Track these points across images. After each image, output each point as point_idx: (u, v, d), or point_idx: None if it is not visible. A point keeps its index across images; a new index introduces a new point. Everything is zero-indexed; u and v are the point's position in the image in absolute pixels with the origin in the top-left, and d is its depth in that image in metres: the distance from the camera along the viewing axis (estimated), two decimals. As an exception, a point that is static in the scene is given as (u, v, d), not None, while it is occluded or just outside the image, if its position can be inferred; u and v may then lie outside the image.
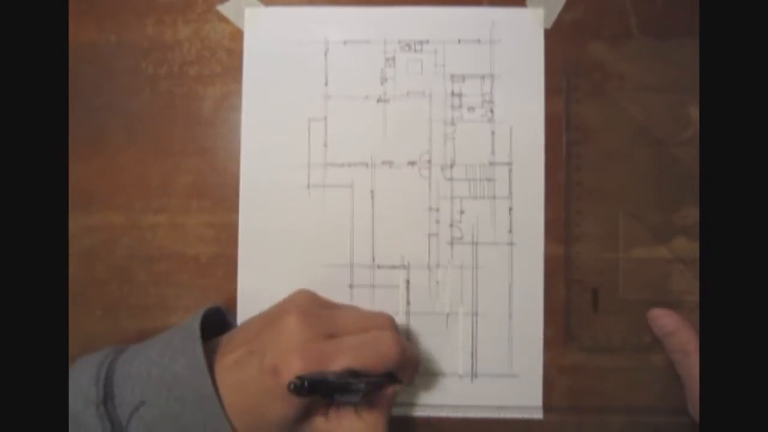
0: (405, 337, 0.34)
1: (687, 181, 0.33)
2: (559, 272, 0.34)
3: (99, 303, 0.35)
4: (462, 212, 0.34)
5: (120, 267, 0.35)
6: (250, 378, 0.27)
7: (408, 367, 0.30)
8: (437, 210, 0.34)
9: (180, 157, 0.35)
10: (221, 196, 0.35)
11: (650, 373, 0.33)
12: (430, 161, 0.34)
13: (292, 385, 0.24)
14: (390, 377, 0.29)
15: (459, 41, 0.35)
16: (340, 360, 0.27)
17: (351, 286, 0.34)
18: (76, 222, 0.35)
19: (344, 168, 0.34)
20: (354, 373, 0.27)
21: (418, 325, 0.34)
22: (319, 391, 0.25)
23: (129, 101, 0.35)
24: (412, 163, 0.34)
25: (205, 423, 0.27)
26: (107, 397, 0.27)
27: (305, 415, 0.28)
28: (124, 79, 0.35)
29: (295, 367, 0.26)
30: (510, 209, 0.34)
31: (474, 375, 0.34)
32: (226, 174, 0.35)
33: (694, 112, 0.34)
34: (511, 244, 0.34)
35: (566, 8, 0.34)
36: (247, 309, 0.34)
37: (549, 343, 0.34)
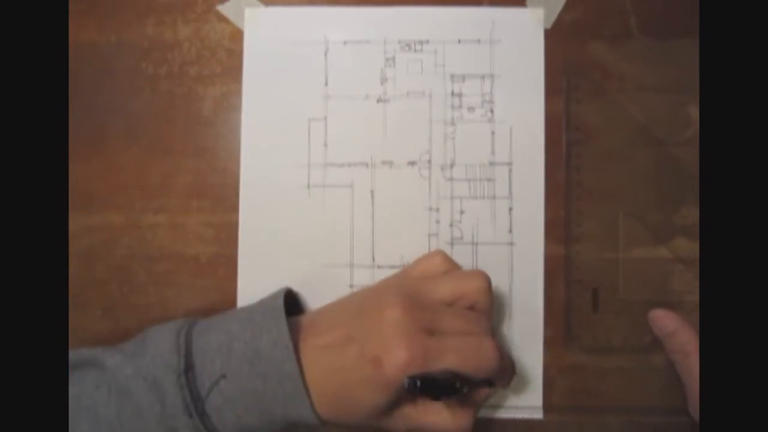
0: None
1: (687, 181, 0.33)
2: (559, 272, 0.34)
3: (99, 303, 0.35)
4: (462, 212, 0.34)
5: (120, 267, 0.35)
6: (346, 364, 0.27)
7: (505, 375, 0.30)
8: (437, 210, 0.34)
9: (180, 157, 0.35)
10: (221, 196, 0.35)
11: (650, 373, 0.33)
12: (430, 161, 0.34)
13: (406, 385, 0.25)
14: (487, 381, 0.29)
15: (459, 41, 0.35)
16: (444, 359, 0.26)
17: (351, 286, 0.34)
18: (76, 222, 0.34)
19: (344, 168, 0.34)
20: (455, 375, 0.27)
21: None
22: (428, 391, 0.25)
23: (129, 101, 0.35)
24: (412, 163, 0.34)
25: (285, 401, 0.27)
26: (188, 367, 0.27)
27: (395, 405, 0.28)
28: (124, 79, 0.35)
29: (399, 359, 0.26)
30: (510, 209, 0.34)
31: (474, 375, 0.34)
32: (226, 174, 0.35)
33: (694, 112, 0.34)
34: (511, 244, 0.34)
35: (566, 8, 0.34)
36: (247, 309, 0.34)
37: (549, 343, 0.34)
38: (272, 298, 0.29)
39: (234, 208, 0.34)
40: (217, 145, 0.35)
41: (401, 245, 0.34)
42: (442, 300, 0.29)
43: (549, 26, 0.34)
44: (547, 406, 0.33)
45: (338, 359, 0.27)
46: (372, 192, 0.34)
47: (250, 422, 0.27)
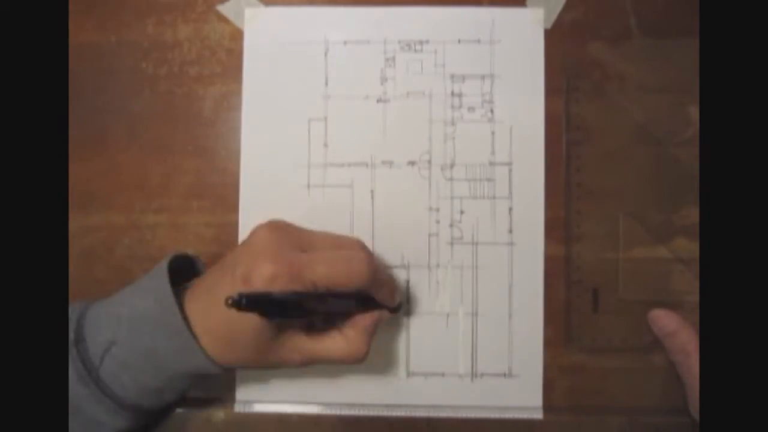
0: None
1: (687, 181, 0.33)
2: (559, 272, 0.34)
3: (99, 303, 0.35)
4: (462, 212, 0.34)
5: (120, 267, 0.35)
6: (221, 295, 0.25)
7: (383, 288, 0.30)
8: (437, 210, 0.34)
9: (180, 157, 0.35)
10: (221, 196, 0.35)
11: (650, 373, 0.33)
12: (430, 161, 0.34)
13: (229, 300, 0.24)
14: (368, 302, 0.29)
15: (459, 41, 0.35)
16: (312, 270, 0.26)
17: (351, 286, 0.34)
18: (76, 222, 0.34)
19: (344, 168, 0.34)
20: (321, 296, 0.27)
21: (418, 325, 0.34)
22: (260, 309, 0.25)
23: (129, 101, 0.35)
24: (412, 163, 0.34)
25: (178, 355, 0.27)
26: (78, 340, 0.27)
27: (281, 332, 0.28)
28: (125, 79, 0.35)
29: (266, 271, 0.26)
30: (510, 209, 0.34)
31: (474, 375, 0.34)
32: (226, 174, 0.35)
33: (694, 112, 0.34)
34: (511, 244, 0.34)
35: (566, 8, 0.34)
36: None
37: (549, 343, 0.34)
38: (161, 262, 0.29)
39: (234, 208, 0.34)
40: (217, 145, 0.35)
41: (401, 245, 0.34)
42: (317, 242, 0.29)
43: (549, 26, 0.34)
44: (547, 406, 0.33)
45: (215, 293, 0.27)
46: (372, 192, 0.34)
47: (149, 382, 0.28)
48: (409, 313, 0.34)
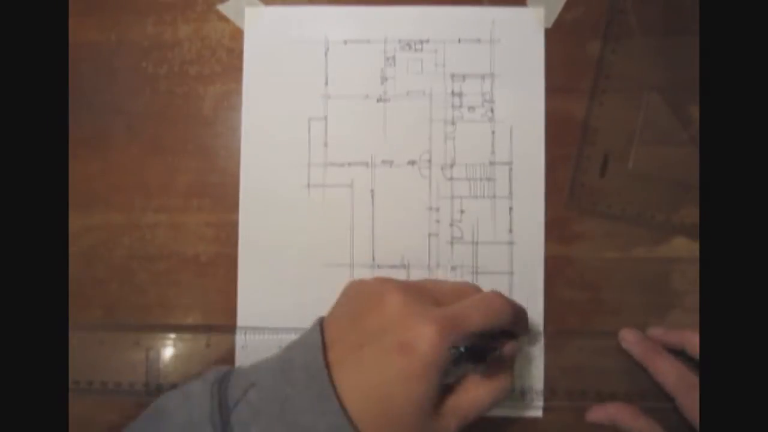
0: None
1: (687, 181, 0.33)
2: (559, 272, 0.34)
3: (99, 303, 0.35)
4: (462, 212, 0.34)
5: (120, 267, 0.35)
6: (372, 367, 0.24)
7: (521, 318, 0.30)
8: (437, 210, 0.34)
9: (180, 156, 0.35)
10: (221, 196, 0.35)
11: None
12: (430, 161, 0.34)
13: (452, 355, 0.23)
14: (507, 334, 0.29)
15: (459, 41, 0.35)
16: (470, 320, 0.26)
17: (351, 286, 0.34)
18: (76, 222, 0.35)
19: (344, 168, 0.34)
20: (481, 336, 0.26)
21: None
22: (474, 357, 0.25)
23: (129, 101, 0.35)
24: (412, 163, 0.34)
25: (313, 404, 0.24)
26: (223, 378, 0.26)
27: (441, 395, 0.26)
28: (125, 78, 0.35)
29: (428, 333, 0.24)
30: (510, 209, 0.34)
31: (474, 375, 0.34)
32: (226, 174, 0.35)
33: (694, 112, 0.34)
34: (511, 243, 0.34)
35: (566, 8, 0.34)
36: (247, 308, 0.34)
37: (549, 343, 0.34)
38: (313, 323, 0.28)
39: (234, 207, 0.34)
40: (217, 145, 0.35)
41: (401, 245, 0.34)
42: (444, 293, 0.29)
43: (549, 25, 0.34)
44: (547, 406, 0.33)
45: (364, 367, 0.25)
46: (372, 191, 0.34)
47: None
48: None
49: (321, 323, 0.28)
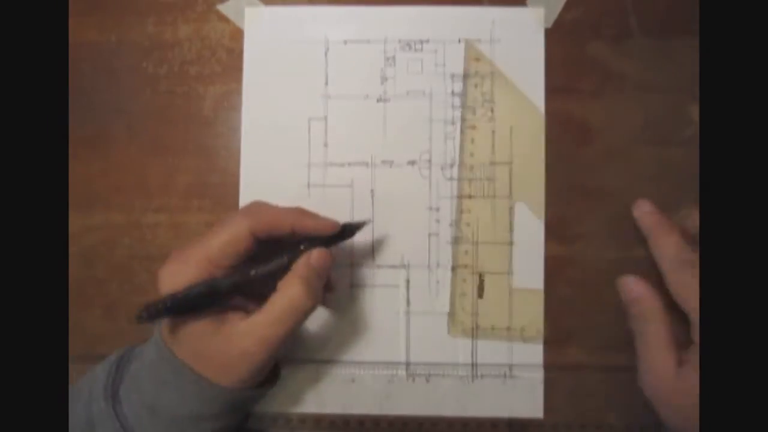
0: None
1: (687, 181, 0.33)
2: (559, 272, 0.34)
3: (99, 303, 0.35)
4: (462, 212, 0.34)
5: (120, 267, 0.35)
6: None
7: (303, 216, 0.29)
8: (437, 210, 0.34)
9: (180, 156, 0.35)
10: (221, 196, 0.35)
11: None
12: (430, 161, 0.34)
13: (135, 318, 0.25)
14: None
15: (459, 41, 0.35)
16: (202, 248, 0.28)
17: (351, 286, 0.34)
18: (76, 222, 0.35)
19: (344, 167, 0.34)
20: (242, 270, 0.27)
21: (418, 326, 0.34)
22: (169, 312, 0.26)
23: (129, 101, 0.35)
24: (412, 163, 0.34)
25: (162, 364, 0.28)
26: (123, 356, 0.30)
27: (222, 325, 0.27)
28: (125, 78, 0.35)
29: (162, 274, 0.27)
30: (510, 209, 0.34)
31: (474, 375, 0.34)
32: (226, 174, 0.35)
33: (694, 112, 0.34)
34: (511, 243, 0.34)
35: (566, 8, 0.34)
36: (247, 309, 0.34)
37: (549, 343, 0.34)
38: None
39: (234, 208, 0.34)
40: (217, 145, 0.35)
41: (401, 245, 0.34)
42: None
43: (549, 26, 0.34)
44: (547, 406, 0.33)
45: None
46: (372, 191, 0.34)
47: (146, 399, 0.28)
48: (408, 313, 0.34)
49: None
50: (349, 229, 0.30)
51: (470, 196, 0.34)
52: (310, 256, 0.28)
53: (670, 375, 0.28)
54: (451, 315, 0.34)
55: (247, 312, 0.28)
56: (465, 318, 0.34)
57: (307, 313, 0.28)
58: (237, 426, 0.31)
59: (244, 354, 0.27)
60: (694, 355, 0.28)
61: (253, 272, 0.28)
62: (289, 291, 0.27)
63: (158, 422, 0.27)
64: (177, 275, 0.27)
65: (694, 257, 0.29)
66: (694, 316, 0.28)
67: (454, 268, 0.34)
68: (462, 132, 0.34)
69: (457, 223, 0.34)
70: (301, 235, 0.29)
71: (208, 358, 0.27)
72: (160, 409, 0.27)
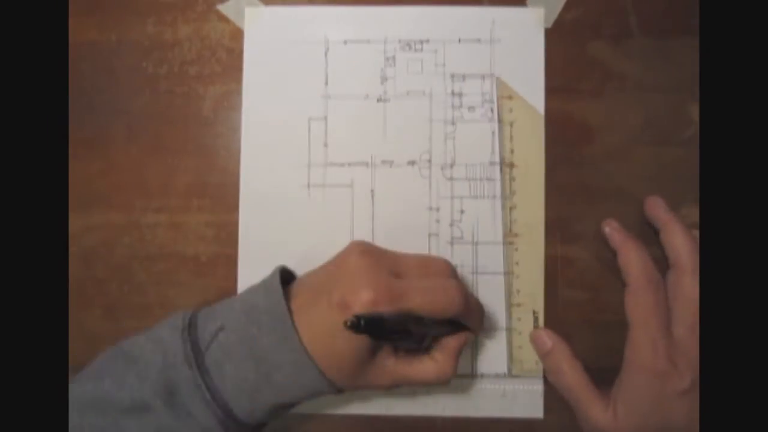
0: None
1: (687, 181, 0.33)
2: (559, 272, 0.34)
3: (99, 303, 0.35)
4: (462, 212, 0.34)
5: (120, 267, 0.35)
6: (319, 316, 0.27)
7: (473, 316, 0.31)
8: (437, 210, 0.34)
9: (180, 156, 0.35)
10: (221, 196, 0.35)
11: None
12: (430, 161, 0.34)
13: (348, 323, 0.25)
14: (456, 325, 0.30)
15: (459, 40, 0.35)
16: (409, 298, 0.27)
17: (351, 286, 0.34)
18: (76, 222, 0.35)
19: (344, 168, 0.34)
20: (419, 319, 0.28)
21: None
22: (374, 332, 0.26)
23: (129, 101, 0.35)
24: (412, 163, 0.34)
25: (279, 343, 0.27)
26: (191, 325, 0.29)
27: (375, 353, 0.29)
28: (125, 78, 0.35)
29: (365, 298, 0.27)
30: (510, 209, 0.34)
31: (474, 375, 0.34)
32: (226, 174, 0.35)
33: (694, 112, 0.34)
34: (511, 244, 0.34)
35: (567, 8, 0.34)
36: (247, 309, 0.34)
37: (549, 343, 0.34)
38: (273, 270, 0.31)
39: (234, 207, 0.34)
40: (217, 145, 0.35)
41: (401, 245, 0.34)
42: (409, 266, 0.30)
43: (549, 25, 0.34)
44: (547, 406, 0.33)
45: (315, 313, 0.28)
46: (372, 192, 0.34)
47: (248, 375, 0.28)
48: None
49: (279, 269, 0.30)
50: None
51: (470, 197, 0.34)
52: (467, 338, 0.31)
53: (607, 420, 0.30)
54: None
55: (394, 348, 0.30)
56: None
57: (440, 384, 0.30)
58: None
59: (373, 383, 0.29)
60: (618, 387, 0.30)
61: (428, 324, 0.29)
62: (445, 365, 0.30)
63: (257, 404, 0.28)
64: (375, 306, 0.27)
65: (656, 277, 0.31)
66: (632, 333, 0.30)
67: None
68: (462, 132, 0.34)
69: (457, 223, 0.34)
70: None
71: (324, 355, 0.28)
72: (261, 396, 0.28)
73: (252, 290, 0.30)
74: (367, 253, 0.29)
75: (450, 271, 0.31)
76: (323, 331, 0.27)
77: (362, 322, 0.25)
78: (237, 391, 0.28)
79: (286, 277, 0.31)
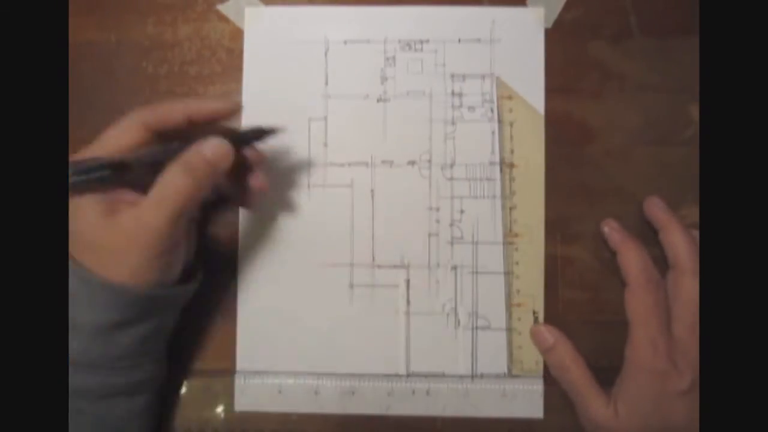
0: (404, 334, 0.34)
1: (687, 181, 0.33)
2: (559, 272, 0.34)
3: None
4: (462, 212, 0.34)
5: (120, 267, 0.35)
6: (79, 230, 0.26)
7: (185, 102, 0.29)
8: (437, 210, 0.34)
9: (180, 156, 0.35)
10: (221, 196, 0.34)
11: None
12: (430, 161, 0.34)
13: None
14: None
15: (459, 40, 0.35)
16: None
17: (351, 286, 0.34)
18: (76, 222, 0.34)
19: (344, 168, 0.34)
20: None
21: (418, 325, 0.34)
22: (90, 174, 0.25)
23: (129, 101, 0.35)
24: (412, 163, 0.34)
25: (81, 295, 0.26)
26: None
27: (111, 210, 0.26)
28: (125, 79, 0.35)
29: None
30: (510, 209, 0.34)
31: (474, 375, 0.34)
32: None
33: (694, 112, 0.34)
34: (511, 244, 0.34)
35: (566, 7, 0.34)
36: (247, 308, 0.34)
37: (549, 343, 0.34)
38: None
39: (234, 207, 0.34)
40: (217, 145, 0.35)
41: (401, 245, 0.34)
42: None
43: (549, 25, 0.34)
44: (547, 406, 0.33)
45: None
46: (372, 191, 0.34)
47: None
48: (408, 313, 0.34)
49: None
50: (257, 132, 0.30)
51: (470, 197, 0.34)
52: (200, 144, 0.28)
53: (608, 416, 0.30)
54: (451, 315, 0.34)
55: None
56: (465, 318, 0.34)
57: (188, 197, 0.26)
58: (174, 326, 0.31)
59: (130, 241, 0.26)
60: (619, 387, 0.30)
61: (138, 154, 0.26)
62: (170, 175, 0.27)
63: (83, 338, 0.27)
64: None
65: (655, 276, 0.31)
66: (633, 333, 0.30)
67: (454, 268, 0.34)
68: (462, 132, 0.34)
69: (457, 223, 0.34)
70: (203, 128, 0.28)
71: (100, 252, 0.26)
72: (79, 326, 0.26)
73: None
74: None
75: None
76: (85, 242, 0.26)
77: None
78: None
79: None
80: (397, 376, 0.34)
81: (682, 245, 0.30)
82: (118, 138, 0.28)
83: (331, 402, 0.34)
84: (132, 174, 0.27)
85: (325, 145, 0.34)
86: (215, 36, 0.35)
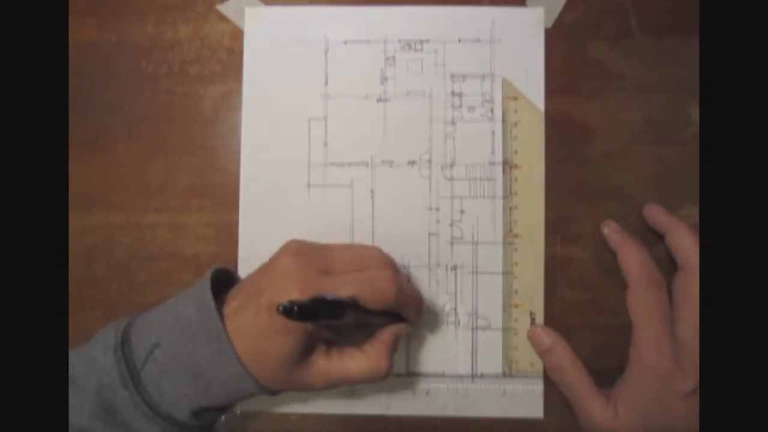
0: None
1: (687, 181, 0.33)
2: (559, 272, 0.34)
3: (99, 303, 0.35)
4: (462, 212, 0.34)
5: (120, 267, 0.35)
6: (249, 320, 0.27)
7: (409, 304, 0.30)
8: (437, 209, 0.34)
9: (180, 156, 0.35)
10: (221, 196, 0.35)
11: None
12: (430, 161, 0.34)
13: (281, 307, 0.24)
14: (395, 317, 0.30)
15: (459, 41, 0.35)
16: (339, 292, 0.27)
17: (351, 286, 0.34)
18: (76, 222, 0.35)
19: (344, 167, 0.34)
20: (355, 305, 0.27)
21: (418, 325, 0.34)
22: (308, 316, 0.25)
23: (129, 101, 0.35)
24: (412, 163, 0.34)
25: (214, 359, 0.27)
26: (124, 342, 0.28)
27: (307, 353, 0.28)
28: (124, 78, 0.35)
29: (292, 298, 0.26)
30: (510, 209, 0.34)
31: (474, 375, 0.34)
32: (226, 174, 0.35)
33: (694, 112, 0.34)
34: (511, 244, 0.34)
35: (567, 8, 0.34)
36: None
37: (549, 343, 0.34)
38: (204, 276, 0.30)
39: (234, 207, 0.34)
40: (217, 145, 0.35)
41: (401, 245, 0.34)
42: (342, 263, 0.29)
43: (549, 25, 0.34)
44: (547, 406, 0.33)
45: (245, 317, 0.28)
46: (372, 191, 0.34)
47: (187, 391, 0.28)
48: (409, 312, 0.34)
49: (211, 273, 0.29)
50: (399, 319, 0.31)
51: (470, 196, 0.34)
52: (401, 329, 0.30)
53: (607, 417, 0.30)
54: (451, 315, 0.34)
55: (327, 346, 0.29)
56: (465, 318, 0.34)
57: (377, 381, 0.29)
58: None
59: (307, 383, 0.29)
60: (620, 388, 0.30)
61: (343, 320, 0.27)
62: (379, 359, 0.29)
63: (199, 411, 0.28)
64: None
65: (656, 275, 0.31)
66: (637, 334, 0.30)
67: (454, 268, 0.34)
68: (462, 132, 0.34)
69: (457, 223, 0.34)
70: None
71: (256, 358, 0.27)
72: (202, 404, 0.28)
73: (185, 300, 0.29)
74: (299, 253, 0.29)
75: (384, 261, 0.30)
76: (254, 335, 0.27)
77: (295, 308, 0.24)
78: (177, 404, 0.28)
79: (227, 277, 0.31)
80: (397, 375, 0.34)
81: (689, 247, 0.30)
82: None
83: (330, 402, 0.34)
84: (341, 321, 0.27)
85: (325, 145, 0.34)
86: (215, 36, 0.35)
